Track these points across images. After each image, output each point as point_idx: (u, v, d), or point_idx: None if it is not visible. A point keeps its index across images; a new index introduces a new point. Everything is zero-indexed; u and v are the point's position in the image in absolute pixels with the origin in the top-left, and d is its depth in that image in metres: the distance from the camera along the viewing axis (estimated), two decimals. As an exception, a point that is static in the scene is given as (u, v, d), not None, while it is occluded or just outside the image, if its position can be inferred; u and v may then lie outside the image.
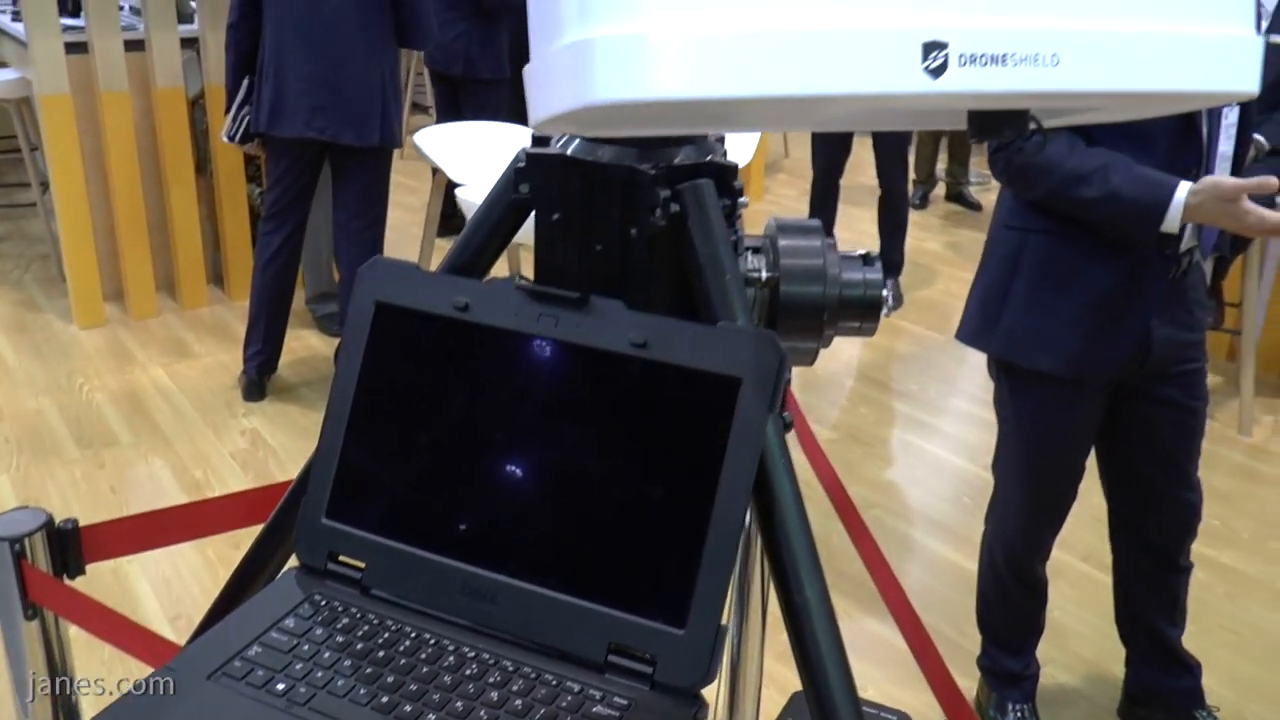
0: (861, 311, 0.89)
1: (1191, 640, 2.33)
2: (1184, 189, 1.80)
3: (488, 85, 5.00)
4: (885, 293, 0.89)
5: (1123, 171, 1.82)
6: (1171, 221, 1.81)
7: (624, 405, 0.77)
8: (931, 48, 0.51)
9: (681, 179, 0.80)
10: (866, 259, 0.90)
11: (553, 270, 0.84)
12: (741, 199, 0.85)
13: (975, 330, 2.12)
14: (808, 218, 0.87)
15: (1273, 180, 1.74)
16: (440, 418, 0.83)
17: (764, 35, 0.49)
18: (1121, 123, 1.72)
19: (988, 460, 2.32)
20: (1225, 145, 1.92)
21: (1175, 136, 1.85)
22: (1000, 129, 0.61)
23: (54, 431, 3.62)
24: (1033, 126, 0.63)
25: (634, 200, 0.79)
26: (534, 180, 0.84)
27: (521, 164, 0.85)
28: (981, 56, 0.52)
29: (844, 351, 4.43)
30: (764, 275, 0.87)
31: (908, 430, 3.80)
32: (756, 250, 0.89)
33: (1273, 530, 3.24)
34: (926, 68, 0.51)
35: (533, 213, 0.85)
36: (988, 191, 6.73)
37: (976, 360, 4.42)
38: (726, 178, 0.83)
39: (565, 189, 0.82)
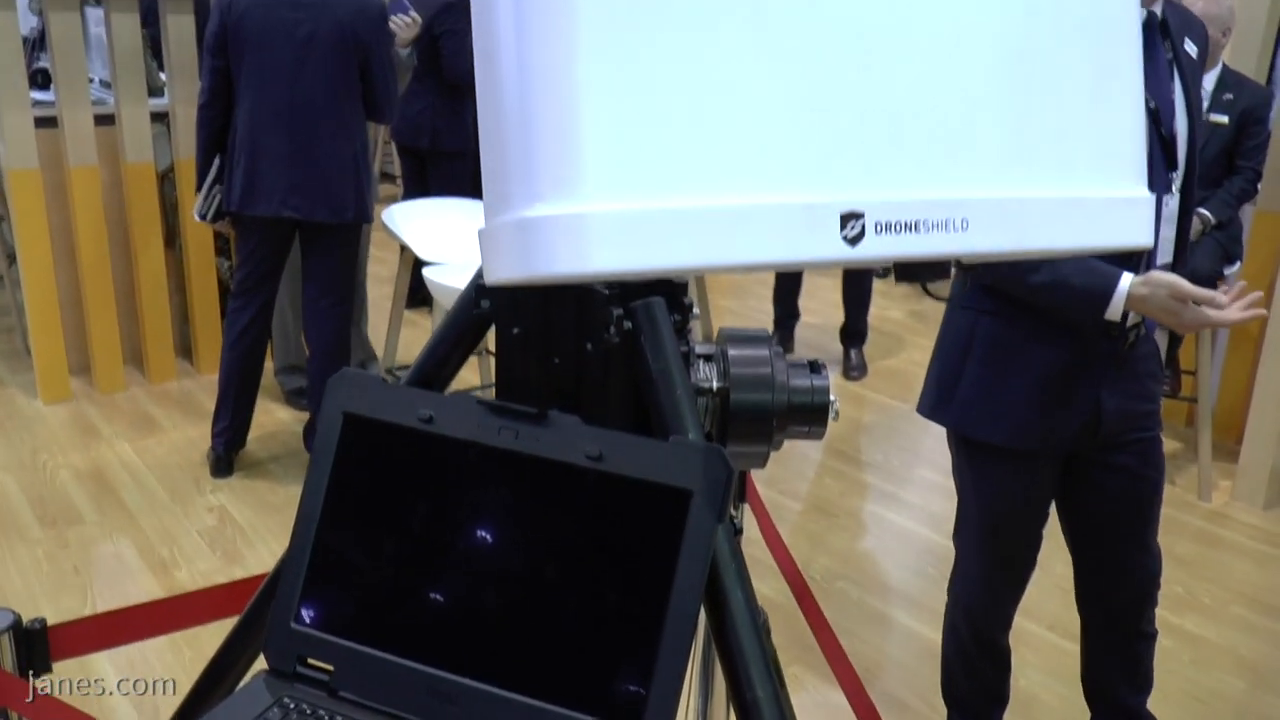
0: (809, 416, 0.93)
1: (1156, 706, 2.36)
2: (1127, 279, 1.88)
3: (453, 158, 5.09)
4: (833, 398, 0.93)
5: (1071, 260, 1.90)
6: (1114, 310, 1.89)
7: (580, 515, 0.81)
8: (849, 218, 0.56)
9: (634, 296, 0.84)
10: (813, 366, 0.94)
11: (513, 382, 0.88)
12: (693, 312, 0.89)
13: (932, 404, 2.18)
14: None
15: (1221, 298, 1.83)
16: (405, 525, 0.86)
17: (692, 213, 0.54)
18: None
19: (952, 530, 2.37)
20: (1166, 230, 2.00)
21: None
22: (922, 274, 0.66)
23: (16, 510, 3.59)
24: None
25: (589, 317, 0.83)
26: (494, 297, 0.88)
27: (482, 280, 0.89)
28: (896, 224, 0.57)
29: (810, 420, 4.47)
30: (715, 385, 0.91)
31: (874, 501, 3.85)
32: (708, 359, 0.93)
33: (1234, 595, 3.29)
34: (845, 236, 0.56)
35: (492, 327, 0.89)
36: (949, 259, 6.86)
37: (939, 430, 4.47)
38: (677, 294, 0.87)
39: (523, 305, 0.86)
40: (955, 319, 2.14)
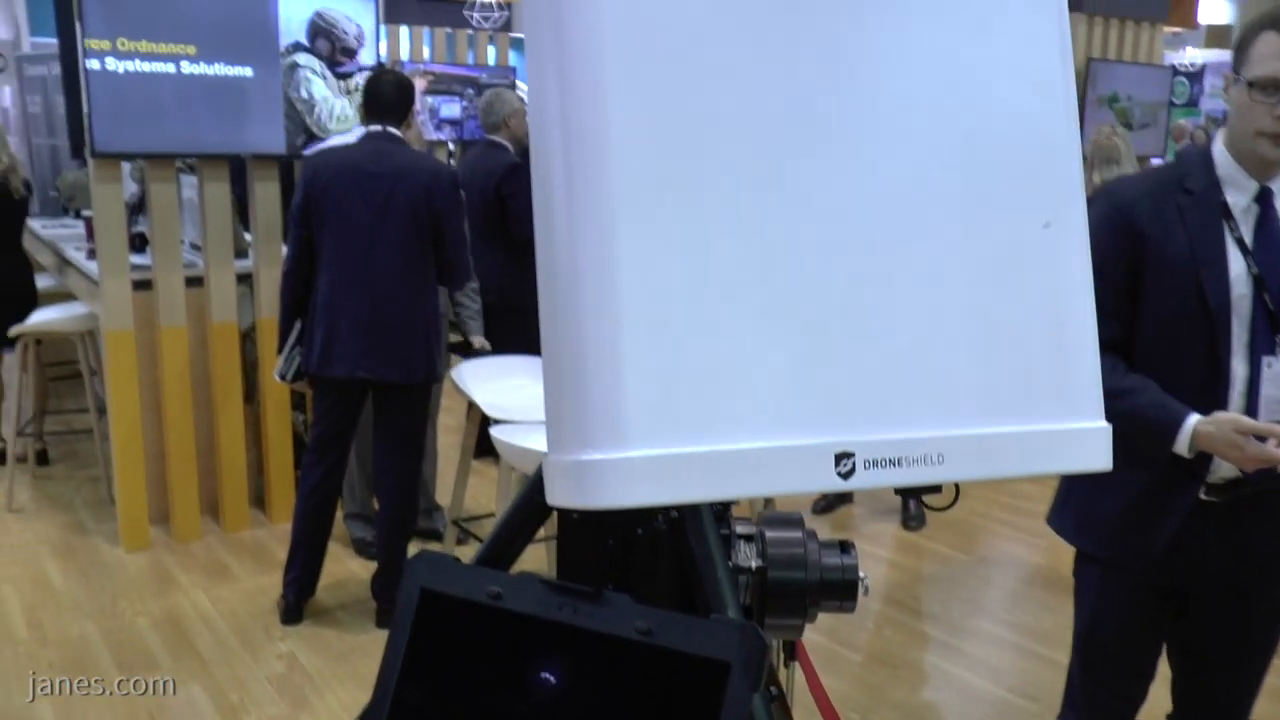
0: (841, 592, 1.02)
1: None
2: (1194, 418, 1.96)
3: (520, 313, 5.28)
4: (863, 575, 1.03)
5: (1148, 394, 2.01)
6: (1181, 445, 1.97)
7: (631, 684, 0.90)
8: (841, 457, 0.68)
9: (680, 486, 0.95)
10: (844, 546, 1.04)
11: (572, 562, 0.98)
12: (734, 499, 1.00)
13: (1049, 512, 2.34)
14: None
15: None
16: (474, 688, 0.96)
17: (715, 456, 0.67)
18: (1157, 354, 2.02)
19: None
20: (1272, 389, 2.07)
21: (1205, 371, 2.03)
22: (915, 492, 0.77)
23: (96, 655, 3.72)
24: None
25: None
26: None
27: (546, 471, 1.01)
28: (882, 461, 0.68)
29: (870, 572, 4.48)
30: (754, 564, 1.01)
31: (934, 652, 3.83)
32: (748, 539, 1.03)
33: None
34: (839, 472, 0.68)
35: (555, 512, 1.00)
36: (1008, 406, 6.89)
37: (1001, 581, 4.47)
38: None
39: (582, 494, 0.98)
40: None
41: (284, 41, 4.41)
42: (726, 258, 0.70)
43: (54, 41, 9.82)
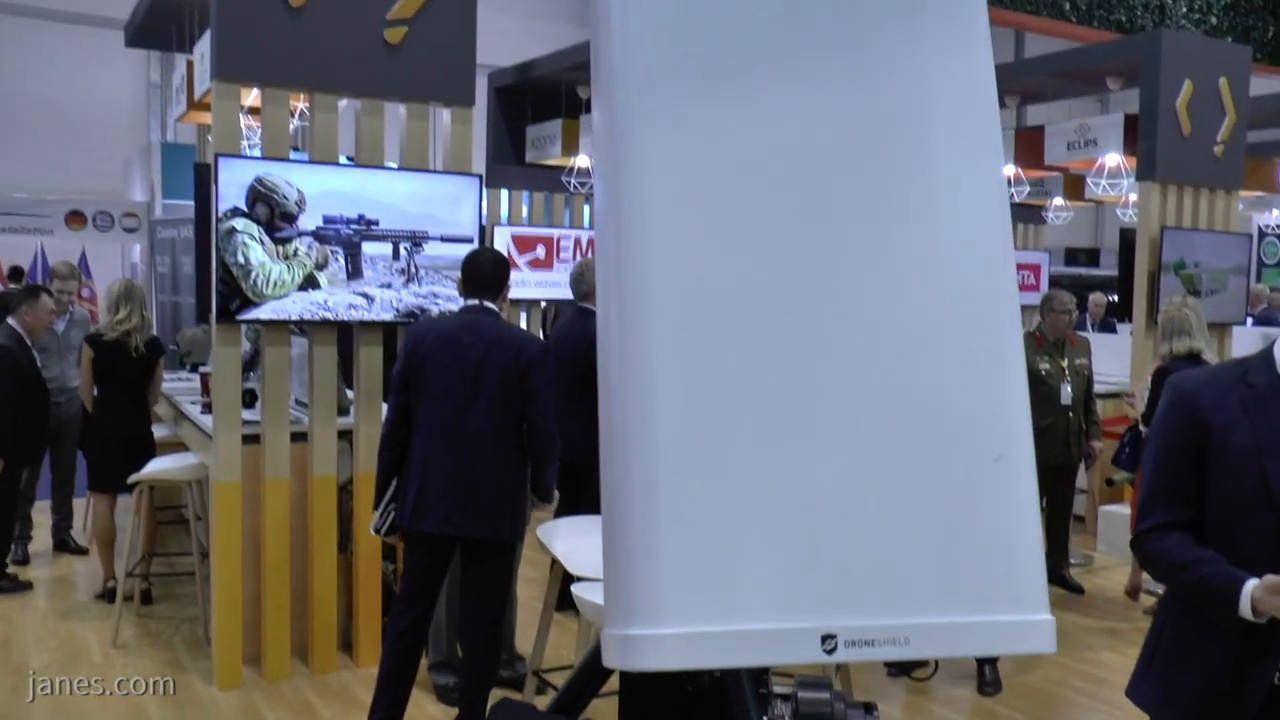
0: (863, 747, 1.18)
1: None
2: (1251, 583, 2.06)
3: (604, 472, 5.50)
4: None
5: (1213, 564, 2.13)
6: (1244, 609, 2.06)
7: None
8: (826, 638, 0.88)
9: (722, 652, 1.14)
10: (867, 708, 1.20)
11: (634, 713, 1.17)
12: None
13: (1129, 685, 2.39)
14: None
15: None
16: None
17: (734, 634, 0.88)
18: (1226, 535, 2.13)
19: None
20: None
21: (1272, 551, 2.12)
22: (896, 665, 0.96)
23: (189, 794, 3.89)
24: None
25: (689, 667, 1.14)
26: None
27: (610, 633, 1.21)
28: (859, 641, 0.88)
29: (942, 738, 4.49)
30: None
31: (1006, 825, 3.80)
32: (785, 698, 1.21)
33: None
34: (824, 649, 0.88)
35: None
36: (1090, 573, 6.85)
37: (1076, 752, 4.42)
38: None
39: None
40: (1157, 617, 2.39)
41: (223, 207, 4.56)
42: (745, 490, 0.96)
43: (185, 203, 10.63)
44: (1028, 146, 8.65)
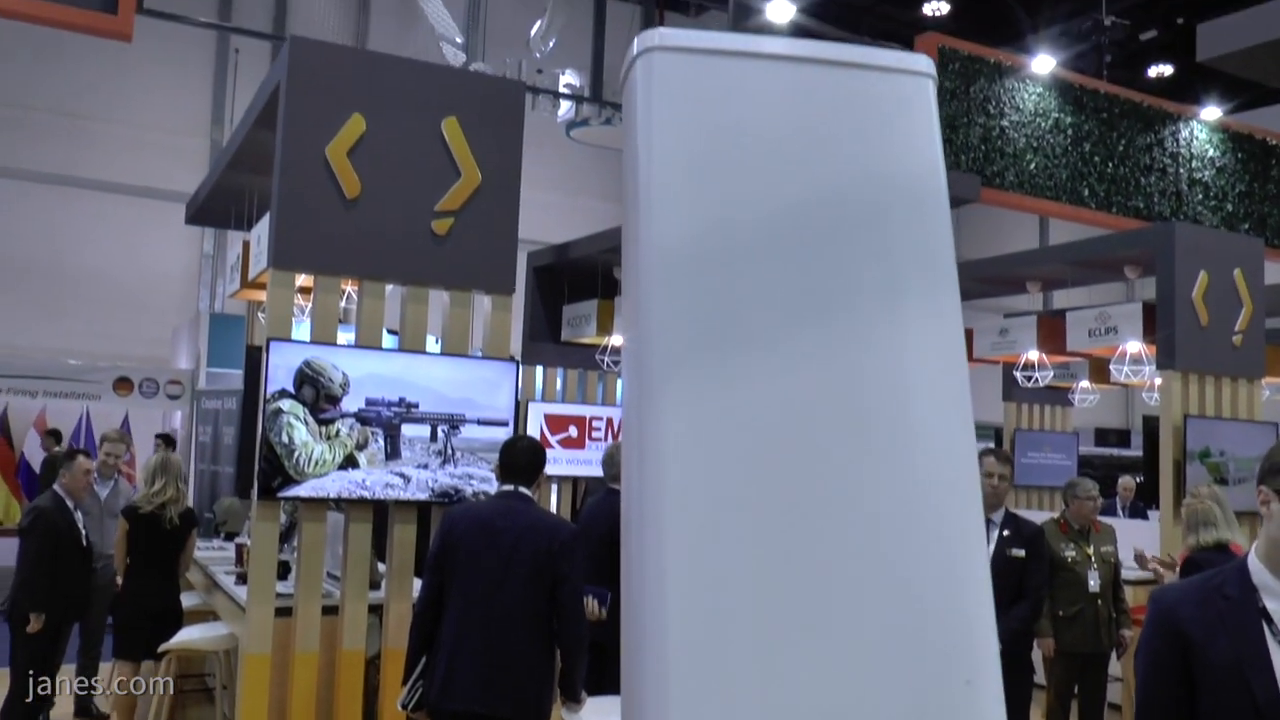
0: None
1: None
2: None
3: (630, 652, 5.51)
4: None
5: None
6: None
7: None
8: None
9: None
10: None
11: None
12: None
13: None
14: None
15: None
16: None
17: None
18: None
19: None
20: None
21: None
22: None
23: None
24: None
25: None
26: None
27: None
28: None
29: None
30: None
31: None
32: None
33: None
34: None
35: None
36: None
37: None
38: None
39: None
40: None
41: (272, 388, 4.77)
42: (743, 694, 1.09)
43: (228, 372, 10.95)
44: (1050, 332, 8.84)
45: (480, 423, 5.12)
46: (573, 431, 9.13)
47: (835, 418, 1.44)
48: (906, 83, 1.66)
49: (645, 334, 1.46)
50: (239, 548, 6.27)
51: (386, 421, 4.95)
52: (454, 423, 5.08)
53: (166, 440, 7.92)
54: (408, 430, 4.99)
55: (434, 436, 5.03)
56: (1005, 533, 5.10)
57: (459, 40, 8.57)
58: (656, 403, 1.40)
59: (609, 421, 9.31)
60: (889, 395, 1.50)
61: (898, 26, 17.06)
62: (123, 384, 12.40)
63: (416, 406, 5.00)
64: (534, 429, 8.81)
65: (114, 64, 13.15)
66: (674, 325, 1.46)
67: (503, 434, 5.10)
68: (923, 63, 1.71)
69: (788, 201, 1.55)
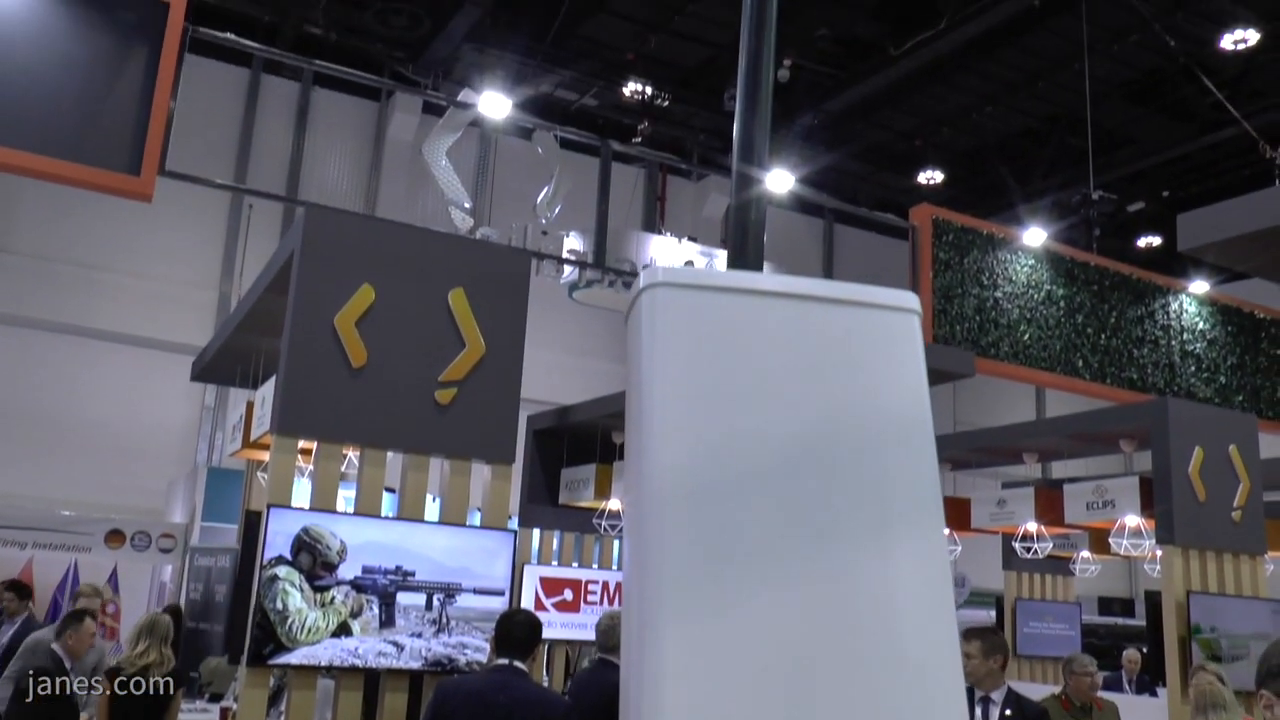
0: None
1: None
2: None
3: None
4: None
5: None
6: None
7: None
8: None
9: None
10: None
11: None
12: None
13: None
14: None
15: None
16: None
17: None
18: None
19: None
20: None
21: None
22: None
23: None
24: None
25: None
26: None
27: None
28: None
29: None
30: None
31: None
32: None
33: None
34: None
35: None
36: None
37: None
38: None
39: None
40: None
41: (269, 554, 4.75)
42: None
43: (222, 526, 10.87)
44: (1048, 504, 8.82)
45: (477, 591, 5.08)
46: (568, 595, 9.01)
47: (827, 644, 1.49)
48: (894, 319, 1.76)
49: (646, 562, 1.52)
50: (224, 711, 6.13)
51: (382, 589, 4.91)
52: (450, 591, 5.03)
53: (174, 613, 7.83)
54: (403, 598, 4.95)
55: (429, 605, 4.98)
56: (1008, 712, 4.99)
57: (467, 205, 8.83)
58: (656, 630, 1.45)
59: (605, 586, 9.21)
60: (879, 623, 1.58)
61: (893, 194, 17.58)
62: (114, 536, 12.28)
63: (413, 575, 4.97)
64: (529, 592, 8.70)
65: (128, 217, 13.48)
66: (674, 554, 1.53)
67: (499, 604, 5.05)
68: (909, 300, 1.81)
69: (783, 433, 1.64)
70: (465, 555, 5.11)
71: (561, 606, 8.91)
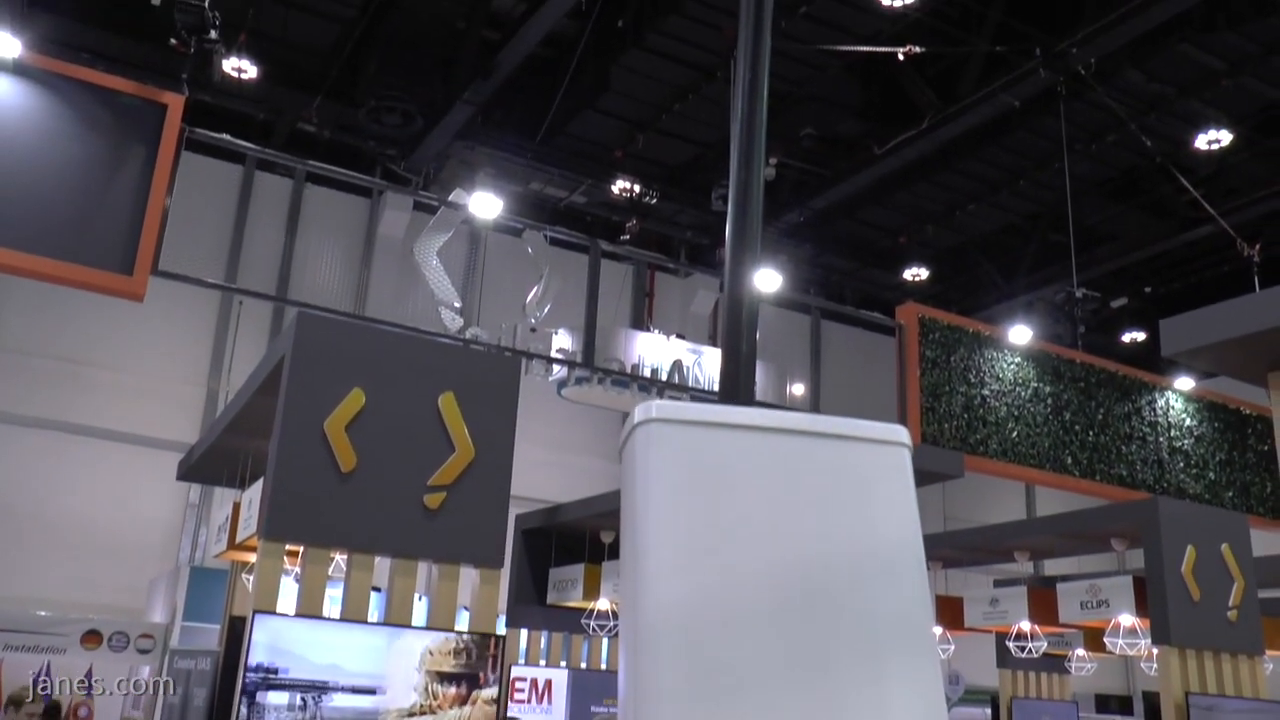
0: None
1: None
2: None
3: None
4: None
5: None
6: None
7: None
8: None
9: None
10: None
11: None
12: None
13: None
14: None
15: None
16: None
17: None
18: None
19: None
20: None
21: None
22: None
23: None
24: None
25: None
26: None
27: None
28: None
29: None
30: None
31: None
32: None
33: None
34: None
35: None
36: None
37: None
38: None
39: None
40: None
41: (253, 660, 4.60)
42: None
43: (203, 626, 10.65)
44: (1041, 603, 8.74)
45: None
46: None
47: None
48: (884, 453, 1.78)
49: (640, 698, 1.49)
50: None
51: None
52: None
53: None
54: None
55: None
56: None
57: (456, 304, 8.88)
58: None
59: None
60: None
61: (879, 289, 17.77)
62: (91, 637, 12.02)
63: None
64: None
65: (116, 312, 13.46)
66: (668, 692, 1.50)
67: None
68: (899, 433, 1.83)
69: (776, 567, 1.64)
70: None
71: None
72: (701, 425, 1.76)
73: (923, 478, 7.95)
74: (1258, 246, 12.65)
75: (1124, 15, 10.29)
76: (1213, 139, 12.78)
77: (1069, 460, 11.12)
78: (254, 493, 6.01)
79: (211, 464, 8.24)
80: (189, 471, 8.97)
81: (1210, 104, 12.64)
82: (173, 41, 8.90)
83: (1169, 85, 12.40)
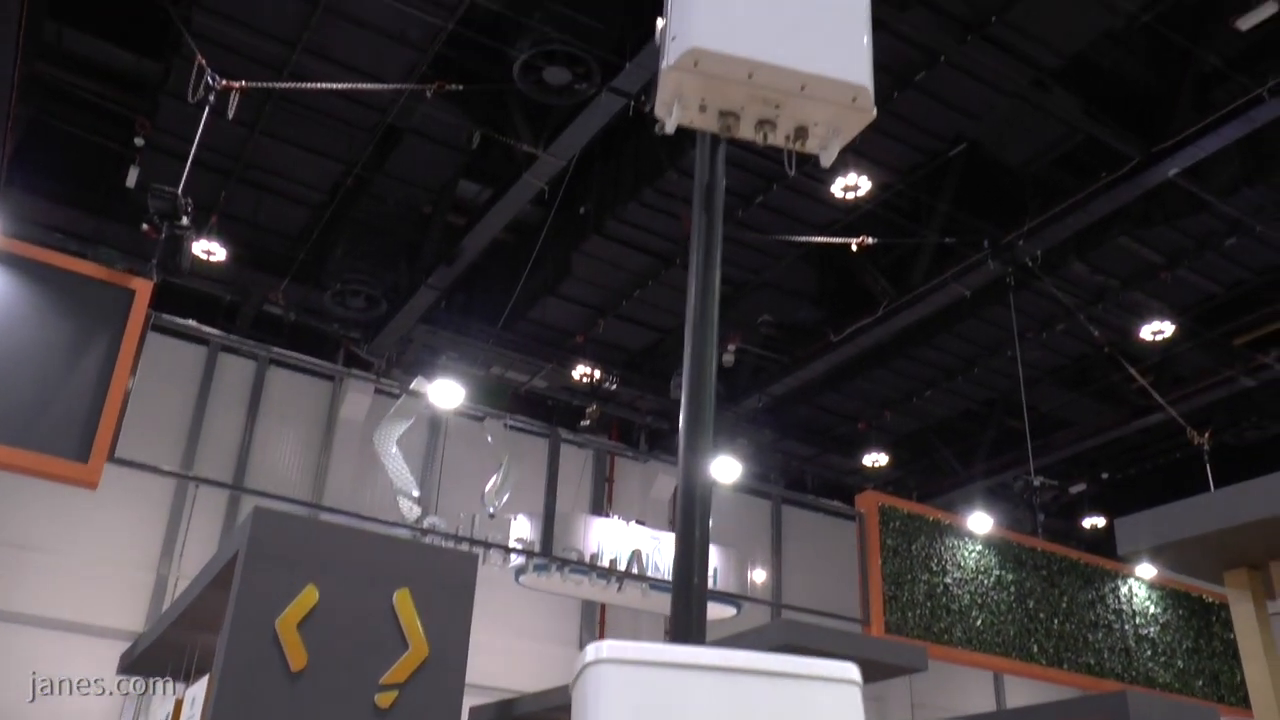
0: None
1: None
2: None
3: None
4: None
5: None
6: None
7: None
8: None
9: None
10: None
11: None
12: None
13: None
14: None
15: None
16: None
17: None
18: None
19: None
20: None
21: None
22: None
23: None
24: None
25: None
26: None
27: None
28: None
29: None
30: None
31: None
32: None
33: None
34: None
35: None
36: None
37: None
38: None
39: None
40: None
41: None
42: None
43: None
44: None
45: None
46: None
47: None
48: (835, 690, 1.80)
49: None
50: None
51: None
52: None
53: None
54: None
55: None
56: None
57: (415, 494, 8.81)
58: None
59: None
60: None
61: (839, 474, 17.85)
62: (16, 844, 11.31)
63: None
64: None
65: (67, 495, 13.20)
66: None
67: None
68: (850, 671, 1.85)
69: None
70: None
71: None
72: (650, 665, 1.79)
73: (886, 671, 7.83)
74: (1208, 434, 12.91)
75: (1067, 209, 10.75)
76: (1156, 329, 13.20)
77: (1035, 649, 11.00)
78: (197, 691, 5.79)
79: (155, 655, 7.95)
80: (131, 666, 8.63)
81: (1153, 295, 13.11)
82: (144, 227, 9.03)
83: (1113, 277, 12.88)
